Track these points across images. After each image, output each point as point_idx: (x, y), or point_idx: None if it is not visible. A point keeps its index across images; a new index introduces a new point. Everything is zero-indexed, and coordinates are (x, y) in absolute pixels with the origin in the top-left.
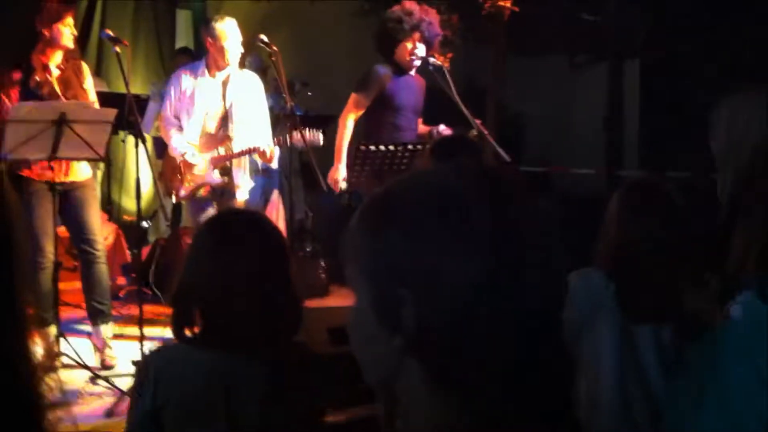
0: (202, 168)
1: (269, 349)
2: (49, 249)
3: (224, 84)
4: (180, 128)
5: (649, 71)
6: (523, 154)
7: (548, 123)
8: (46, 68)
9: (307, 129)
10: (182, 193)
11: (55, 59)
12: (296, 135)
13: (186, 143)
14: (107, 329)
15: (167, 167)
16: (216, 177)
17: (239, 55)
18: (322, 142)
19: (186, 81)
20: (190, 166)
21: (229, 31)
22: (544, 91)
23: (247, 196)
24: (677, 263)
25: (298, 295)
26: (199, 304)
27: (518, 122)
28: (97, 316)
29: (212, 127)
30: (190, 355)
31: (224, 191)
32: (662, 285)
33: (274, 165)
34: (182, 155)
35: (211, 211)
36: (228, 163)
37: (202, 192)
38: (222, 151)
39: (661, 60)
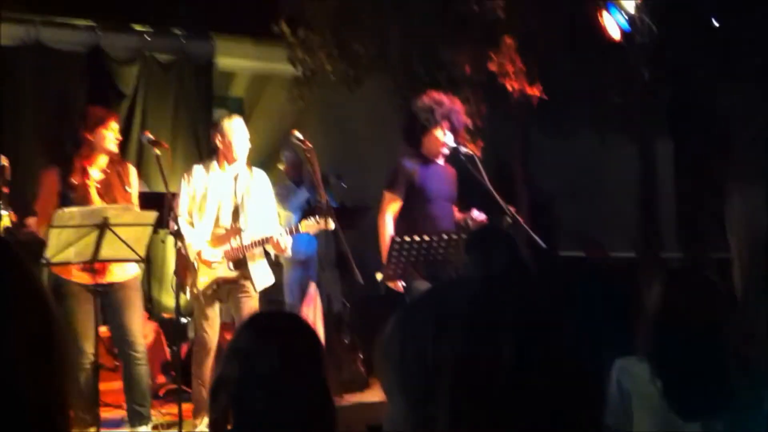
0: (216, 259)
1: None
2: (90, 350)
3: (235, 179)
4: (192, 224)
5: (683, 149)
6: (558, 238)
7: (581, 205)
8: (84, 172)
9: (315, 216)
10: (195, 289)
11: (98, 163)
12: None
13: (199, 239)
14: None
15: (179, 263)
16: (229, 271)
17: (246, 151)
18: (333, 226)
19: (199, 177)
20: (207, 262)
21: (235, 129)
22: (576, 173)
23: (260, 288)
24: (726, 352)
25: (333, 397)
26: (232, 401)
27: (552, 205)
28: (135, 419)
29: (225, 221)
30: None
31: (237, 288)
32: (712, 377)
33: (288, 254)
34: (197, 253)
35: (218, 308)
36: (241, 255)
37: (213, 287)
38: (235, 243)
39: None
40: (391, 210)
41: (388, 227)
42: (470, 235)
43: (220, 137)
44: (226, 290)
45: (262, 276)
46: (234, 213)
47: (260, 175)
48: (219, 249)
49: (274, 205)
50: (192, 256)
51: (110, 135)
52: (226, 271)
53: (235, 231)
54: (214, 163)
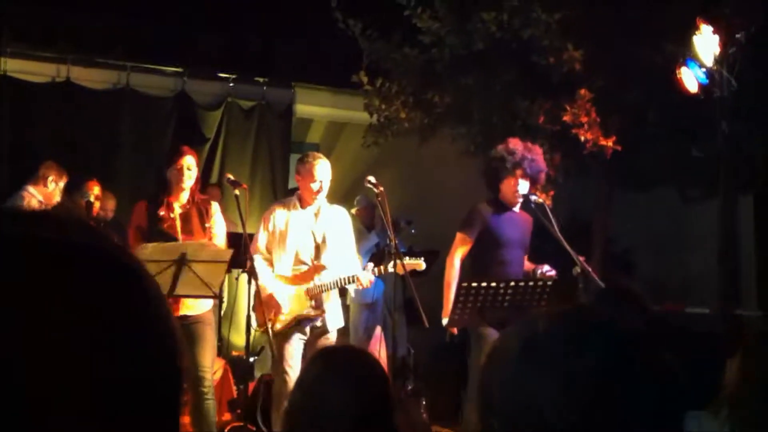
0: (286, 310)
1: None
2: None
3: (315, 215)
4: (269, 262)
5: (763, 204)
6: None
7: (659, 259)
8: (169, 206)
9: (407, 257)
10: (277, 326)
11: (180, 199)
12: (398, 265)
13: (273, 281)
14: None
15: (258, 300)
16: (311, 308)
17: (326, 191)
18: (423, 267)
19: (280, 214)
20: (277, 306)
21: (318, 170)
22: (655, 227)
23: (335, 332)
24: None
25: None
26: None
27: (627, 258)
28: None
29: (305, 257)
30: None
31: (315, 327)
32: None
33: (365, 282)
34: (268, 296)
35: (297, 345)
36: (323, 293)
37: (293, 324)
38: (318, 281)
39: None
40: (461, 251)
41: (455, 268)
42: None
43: (299, 176)
44: (302, 331)
45: (335, 316)
46: (315, 250)
47: (341, 212)
48: (301, 286)
49: (354, 243)
50: (263, 297)
51: (185, 171)
52: (308, 309)
53: (318, 268)
54: (296, 201)
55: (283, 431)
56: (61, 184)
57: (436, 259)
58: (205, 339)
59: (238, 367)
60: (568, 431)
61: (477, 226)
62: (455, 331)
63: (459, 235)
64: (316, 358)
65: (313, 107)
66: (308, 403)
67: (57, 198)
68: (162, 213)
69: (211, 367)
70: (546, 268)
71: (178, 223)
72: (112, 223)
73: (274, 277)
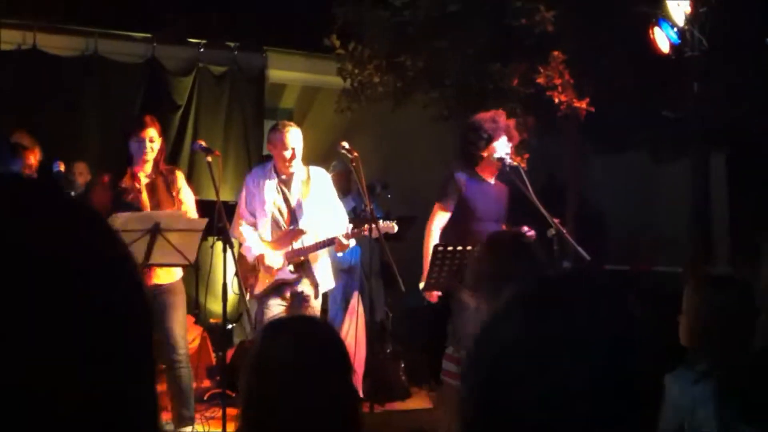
0: (278, 265)
1: None
2: None
3: (289, 182)
4: (254, 225)
5: (736, 163)
6: (605, 252)
7: (631, 219)
8: (134, 176)
9: (381, 221)
10: (256, 291)
11: (145, 169)
12: (373, 229)
13: (260, 243)
14: None
15: (241, 266)
16: (289, 273)
17: (300, 157)
18: (396, 229)
19: (256, 180)
20: (268, 267)
21: (289, 138)
22: (626, 187)
23: (319, 301)
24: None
25: (359, 415)
26: (254, 415)
27: (600, 219)
28: (180, 421)
29: (283, 224)
30: None
31: (295, 293)
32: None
33: (352, 243)
34: (256, 258)
35: (277, 311)
36: (303, 258)
37: (274, 288)
38: (296, 245)
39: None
40: (439, 221)
41: (433, 237)
42: (489, 238)
43: (271, 145)
44: (287, 294)
45: (325, 278)
46: (291, 215)
47: (319, 173)
48: (280, 252)
49: (337, 202)
50: (251, 261)
51: (148, 144)
52: (286, 272)
53: (297, 233)
54: (271, 168)
55: (242, 412)
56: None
57: (413, 225)
58: (176, 307)
59: (217, 335)
60: (575, 397)
61: (453, 194)
62: (434, 298)
63: (437, 204)
64: (262, 333)
65: (286, 72)
66: (259, 380)
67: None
68: (125, 184)
69: (185, 336)
70: (524, 229)
71: (144, 195)
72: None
73: (260, 241)
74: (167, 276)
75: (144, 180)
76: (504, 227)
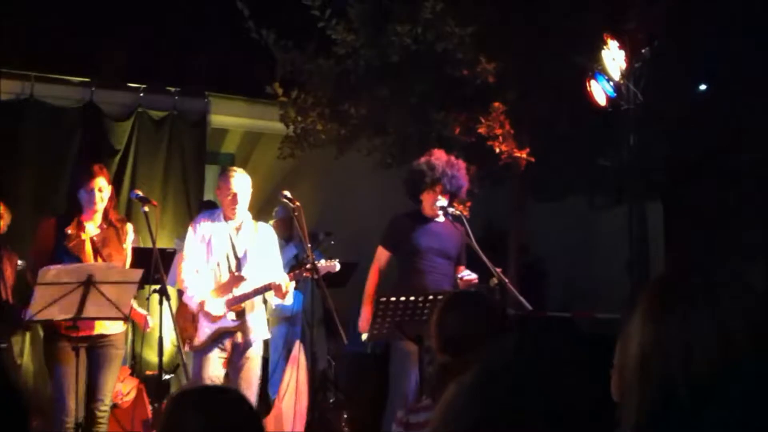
0: (220, 312)
1: None
2: (71, 407)
3: (237, 229)
4: (197, 271)
5: (672, 210)
6: (546, 299)
7: (571, 266)
8: (80, 226)
9: (322, 260)
10: (196, 342)
11: (95, 220)
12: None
13: (203, 290)
14: None
15: (180, 315)
16: (230, 320)
17: (247, 204)
18: (338, 267)
19: (204, 227)
20: (208, 314)
21: (233, 182)
22: (566, 234)
23: (260, 352)
24: None
25: None
26: None
27: (541, 266)
28: None
29: (227, 271)
30: None
31: (236, 345)
32: None
33: (288, 300)
34: (200, 304)
35: (216, 363)
36: (243, 306)
37: (214, 338)
38: (237, 292)
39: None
40: (378, 263)
41: (372, 280)
42: (446, 298)
43: (219, 191)
44: (227, 344)
45: (259, 328)
46: (236, 263)
47: (266, 230)
48: (222, 299)
49: (278, 254)
50: (195, 309)
51: (97, 194)
52: (226, 320)
53: (238, 279)
54: (219, 214)
55: None
56: None
57: (355, 271)
58: (112, 362)
59: (153, 386)
60: None
61: (394, 237)
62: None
63: (379, 248)
64: (171, 398)
65: (228, 117)
66: None
67: None
68: (70, 231)
69: (111, 391)
70: (465, 272)
71: (88, 245)
72: (2, 237)
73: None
74: (112, 326)
75: (93, 231)
76: (461, 268)
